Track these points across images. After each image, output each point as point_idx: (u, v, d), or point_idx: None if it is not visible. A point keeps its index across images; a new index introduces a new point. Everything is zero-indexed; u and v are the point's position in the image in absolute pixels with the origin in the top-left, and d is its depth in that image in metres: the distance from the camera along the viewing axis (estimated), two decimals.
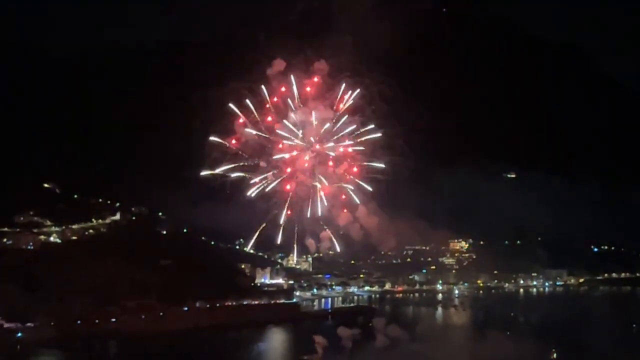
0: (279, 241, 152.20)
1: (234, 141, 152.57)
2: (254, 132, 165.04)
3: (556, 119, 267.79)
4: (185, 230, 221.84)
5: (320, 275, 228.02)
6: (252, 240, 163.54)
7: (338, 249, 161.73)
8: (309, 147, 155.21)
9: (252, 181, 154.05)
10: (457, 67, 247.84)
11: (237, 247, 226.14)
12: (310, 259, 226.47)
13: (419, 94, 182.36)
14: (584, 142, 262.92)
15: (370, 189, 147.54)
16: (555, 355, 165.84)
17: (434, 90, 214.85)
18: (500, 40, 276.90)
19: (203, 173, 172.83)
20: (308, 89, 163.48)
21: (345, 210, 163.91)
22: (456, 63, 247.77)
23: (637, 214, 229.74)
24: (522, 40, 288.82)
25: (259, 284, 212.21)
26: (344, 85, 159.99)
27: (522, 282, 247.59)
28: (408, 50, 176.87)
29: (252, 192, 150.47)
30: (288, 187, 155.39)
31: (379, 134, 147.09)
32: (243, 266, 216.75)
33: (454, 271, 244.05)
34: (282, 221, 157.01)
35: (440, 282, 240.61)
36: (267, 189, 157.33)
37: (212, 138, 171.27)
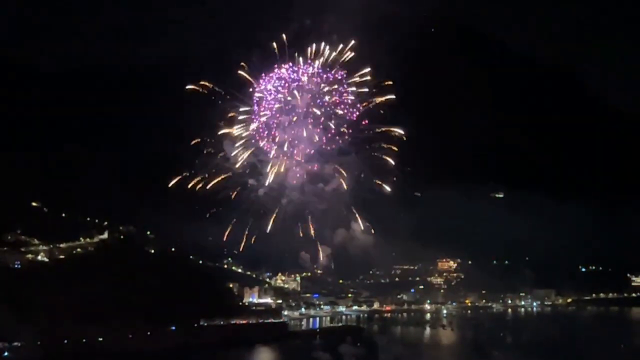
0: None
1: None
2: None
3: (544, 140, 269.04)
4: (173, 249, 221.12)
5: (308, 295, 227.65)
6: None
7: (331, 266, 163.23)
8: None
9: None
10: (446, 87, 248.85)
11: (225, 266, 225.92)
12: (298, 278, 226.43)
13: (406, 114, 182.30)
14: (573, 163, 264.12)
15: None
16: None
17: (422, 110, 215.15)
18: (490, 61, 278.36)
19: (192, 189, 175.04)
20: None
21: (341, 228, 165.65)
22: (446, 84, 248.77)
23: (625, 234, 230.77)
24: (512, 61, 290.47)
25: (247, 303, 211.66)
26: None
27: (510, 302, 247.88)
28: (397, 71, 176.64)
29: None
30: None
31: None
32: (231, 285, 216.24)
33: (442, 291, 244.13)
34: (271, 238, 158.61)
35: (429, 301, 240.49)
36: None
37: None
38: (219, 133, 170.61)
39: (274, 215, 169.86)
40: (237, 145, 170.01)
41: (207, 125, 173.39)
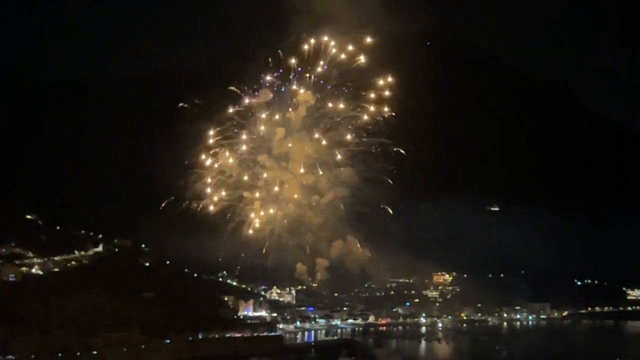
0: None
1: None
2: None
3: (540, 153, 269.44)
4: (168, 262, 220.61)
5: (303, 308, 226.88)
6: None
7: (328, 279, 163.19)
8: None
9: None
10: (441, 100, 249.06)
11: (220, 279, 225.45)
12: (293, 292, 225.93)
13: (402, 127, 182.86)
14: (568, 176, 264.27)
15: None
16: None
17: (418, 122, 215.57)
18: (486, 75, 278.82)
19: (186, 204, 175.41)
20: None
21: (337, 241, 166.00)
22: (441, 97, 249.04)
23: (621, 248, 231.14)
24: (507, 75, 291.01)
25: (242, 316, 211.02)
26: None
27: (505, 315, 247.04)
28: (392, 84, 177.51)
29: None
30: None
31: None
32: (226, 298, 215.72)
33: (437, 304, 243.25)
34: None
35: (424, 315, 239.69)
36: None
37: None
38: (215, 148, 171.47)
39: (270, 228, 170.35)
40: (231, 159, 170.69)
41: (203, 139, 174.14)
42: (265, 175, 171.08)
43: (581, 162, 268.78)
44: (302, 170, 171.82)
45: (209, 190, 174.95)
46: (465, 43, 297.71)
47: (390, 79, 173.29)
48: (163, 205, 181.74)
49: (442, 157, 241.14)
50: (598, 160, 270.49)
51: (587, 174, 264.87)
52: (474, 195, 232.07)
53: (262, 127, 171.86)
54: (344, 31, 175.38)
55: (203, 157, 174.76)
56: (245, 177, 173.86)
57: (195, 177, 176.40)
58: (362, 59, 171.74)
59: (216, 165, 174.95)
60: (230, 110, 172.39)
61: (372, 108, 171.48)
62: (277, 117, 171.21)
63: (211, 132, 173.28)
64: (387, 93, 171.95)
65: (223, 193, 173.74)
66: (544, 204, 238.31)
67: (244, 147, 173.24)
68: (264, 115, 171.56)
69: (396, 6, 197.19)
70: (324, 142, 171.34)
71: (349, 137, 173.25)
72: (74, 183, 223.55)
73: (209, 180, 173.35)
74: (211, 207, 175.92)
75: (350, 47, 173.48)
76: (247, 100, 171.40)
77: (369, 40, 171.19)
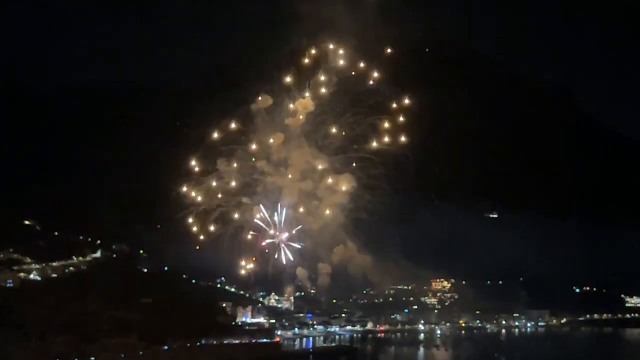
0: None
1: None
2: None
3: (540, 160, 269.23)
4: (166, 269, 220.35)
5: (302, 315, 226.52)
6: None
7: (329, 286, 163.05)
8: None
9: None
10: (441, 106, 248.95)
11: (219, 285, 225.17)
12: (292, 298, 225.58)
13: (402, 134, 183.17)
14: (568, 183, 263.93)
15: None
16: None
17: (417, 129, 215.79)
18: (486, 81, 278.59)
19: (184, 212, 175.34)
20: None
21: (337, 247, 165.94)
22: (441, 102, 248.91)
23: (619, 255, 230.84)
24: (509, 81, 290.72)
25: (240, 323, 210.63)
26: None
27: (504, 322, 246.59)
28: (392, 90, 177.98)
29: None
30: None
31: None
32: (224, 305, 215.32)
33: (436, 311, 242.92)
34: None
35: (423, 322, 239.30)
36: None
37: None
38: (213, 156, 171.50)
39: (268, 234, 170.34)
40: (231, 164, 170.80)
41: (202, 141, 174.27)
42: (264, 180, 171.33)
43: (580, 169, 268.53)
44: (300, 177, 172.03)
45: (206, 198, 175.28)
46: (464, 50, 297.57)
47: (394, 90, 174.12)
48: (162, 215, 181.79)
49: (441, 164, 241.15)
50: (597, 168, 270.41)
51: (587, 181, 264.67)
52: (473, 202, 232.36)
53: (262, 133, 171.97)
54: (343, 40, 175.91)
55: (202, 163, 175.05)
56: (244, 183, 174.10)
57: (194, 184, 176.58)
58: (362, 66, 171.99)
59: (215, 172, 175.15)
60: (230, 117, 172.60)
61: (372, 115, 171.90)
62: (276, 123, 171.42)
63: (210, 139, 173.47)
64: (389, 100, 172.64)
65: (220, 197, 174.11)
66: (543, 211, 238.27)
67: (243, 153, 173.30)
68: (263, 121, 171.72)
69: (395, 14, 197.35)
70: (323, 149, 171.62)
71: (348, 144, 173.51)
72: (73, 189, 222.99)
73: (209, 184, 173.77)
74: (209, 215, 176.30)
75: (350, 55, 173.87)
76: (246, 107, 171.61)
77: (370, 48, 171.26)
